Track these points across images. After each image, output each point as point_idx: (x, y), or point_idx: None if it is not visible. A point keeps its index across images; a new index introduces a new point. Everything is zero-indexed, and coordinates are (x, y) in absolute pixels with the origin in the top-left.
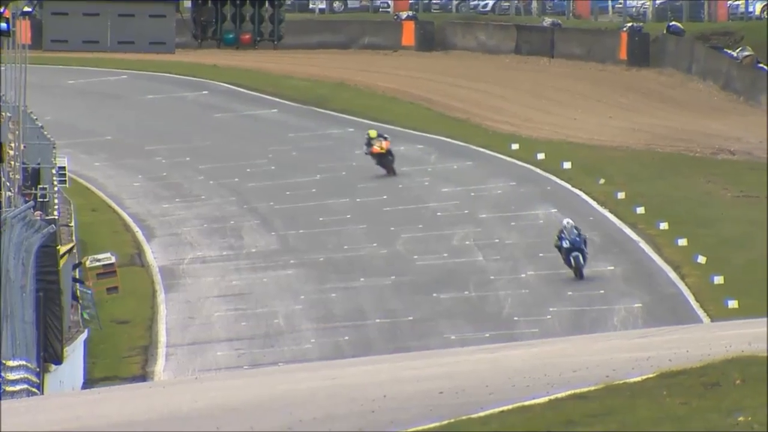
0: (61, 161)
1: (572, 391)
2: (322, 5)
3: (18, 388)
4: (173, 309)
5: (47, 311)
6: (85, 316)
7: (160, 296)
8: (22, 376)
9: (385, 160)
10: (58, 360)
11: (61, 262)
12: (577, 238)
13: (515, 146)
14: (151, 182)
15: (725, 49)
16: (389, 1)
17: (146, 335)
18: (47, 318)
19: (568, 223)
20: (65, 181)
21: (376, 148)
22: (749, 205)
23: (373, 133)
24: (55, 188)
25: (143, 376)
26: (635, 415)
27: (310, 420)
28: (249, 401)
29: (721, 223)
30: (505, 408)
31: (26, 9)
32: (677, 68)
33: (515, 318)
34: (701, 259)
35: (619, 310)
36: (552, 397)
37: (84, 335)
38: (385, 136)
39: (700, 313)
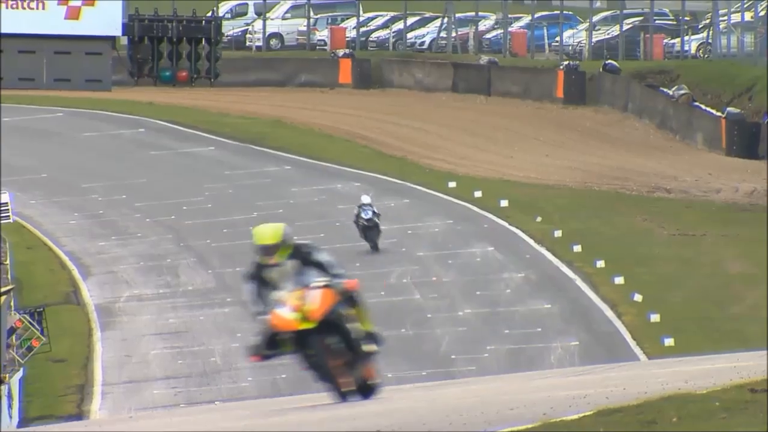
0: (3, 197)
1: (510, 429)
2: (259, 43)
3: None
4: (109, 347)
5: None
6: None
7: (96, 335)
8: None
9: None
10: None
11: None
12: (375, 217)
13: (452, 184)
14: (87, 220)
15: (661, 88)
16: (326, 39)
17: (82, 374)
18: None
19: (365, 199)
20: (8, 216)
21: None
22: (685, 244)
23: None
24: None
25: (79, 415)
26: None
27: None
28: None
29: (657, 262)
30: None
31: None
32: (613, 106)
33: (452, 356)
34: (638, 297)
35: (555, 348)
36: None
37: (19, 374)
38: None
39: (637, 350)
